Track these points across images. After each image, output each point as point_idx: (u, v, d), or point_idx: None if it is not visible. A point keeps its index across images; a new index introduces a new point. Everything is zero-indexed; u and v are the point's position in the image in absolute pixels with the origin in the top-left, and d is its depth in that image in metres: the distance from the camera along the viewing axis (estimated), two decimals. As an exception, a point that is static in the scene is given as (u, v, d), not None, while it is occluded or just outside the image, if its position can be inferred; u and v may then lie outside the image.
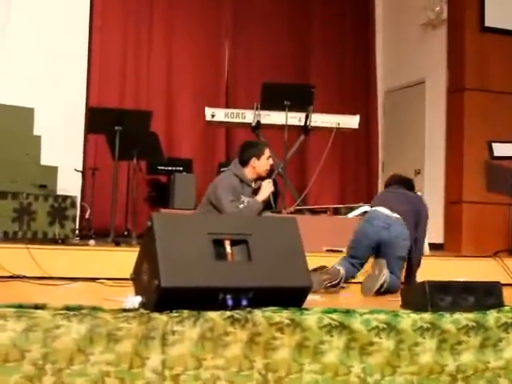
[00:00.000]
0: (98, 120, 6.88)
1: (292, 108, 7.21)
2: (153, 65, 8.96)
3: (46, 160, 6.42)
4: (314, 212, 7.44)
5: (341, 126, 7.55)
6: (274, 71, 9.07)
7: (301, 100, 7.29)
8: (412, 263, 4.96)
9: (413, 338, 3.02)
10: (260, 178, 5.50)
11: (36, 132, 6.54)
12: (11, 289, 4.30)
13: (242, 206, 5.26)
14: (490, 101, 8.15)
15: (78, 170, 7.71)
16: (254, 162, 5.36)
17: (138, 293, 3.00)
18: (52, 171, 6.35)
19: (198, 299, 2.82)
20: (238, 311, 2.83)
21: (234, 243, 3.09)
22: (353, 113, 7.83)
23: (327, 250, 5.78)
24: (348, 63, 9.98)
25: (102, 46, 8.65)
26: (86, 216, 7.43)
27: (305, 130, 7.53)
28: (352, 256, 4.83)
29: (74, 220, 6.18)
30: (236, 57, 9.43)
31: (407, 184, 5.28)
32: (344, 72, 9.95)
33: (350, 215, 4.98)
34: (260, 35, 9.41)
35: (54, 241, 5.88)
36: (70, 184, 6.97)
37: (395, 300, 3.83)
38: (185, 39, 9.07)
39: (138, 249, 3.16)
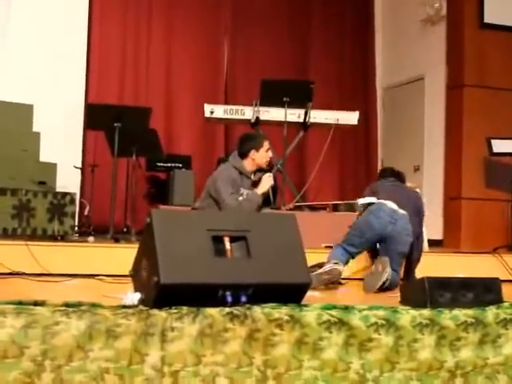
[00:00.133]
0: (97, 116, 6.89)
1: (291, 104, 7.21)
2: (152, 62, 8.95)
3: (45, 157, 6.42)
4: (313, 208, 7.44)
5: (340, 123, 7.54)
6: (273, 67, 9.07)
7: (300, 96, 7.28)
8: (412, 259, 4.97)
9: (412, 334, 3.02)
10: (259, 171, 5.49)
11: (35, 129, 6.54)
12: (10, 285, 4.31)
13: (241, 198, 5.24)
14: (489, 97, 8.14)
15: (77, 167, 7.70)
16: (253, 154, 5.34)
17: (137, 289, 3.01)
18: (51, 168, 6.35)
19: (197, 296, 2.82)
20: (237, 307, 2.83)
21: (233, 240, 3.09)
22: (352, 109, 7.82)
23: (326, 247, 5.77)
24: (347, 60, 9.97)
25: (101, 43, 8.65)
26: (85, 213, 7.42)
27: (304, 126, 7.53)
28: (350, 244, 4.82)
29: (73, 217, 6.19)
30: (235, 54, 9.42)
31: (401, 177, 5.32)
32: (343, 68, 9.94)
33: (361, 201, 4.95)
34: (259, 32, 9.40)
35: (53, 237, 5.88)
36: (69, 181, 6.96)
37: (394, 296, 3.84)
38: (184, 36, 9.06)
39: (137, 245, 3.16)
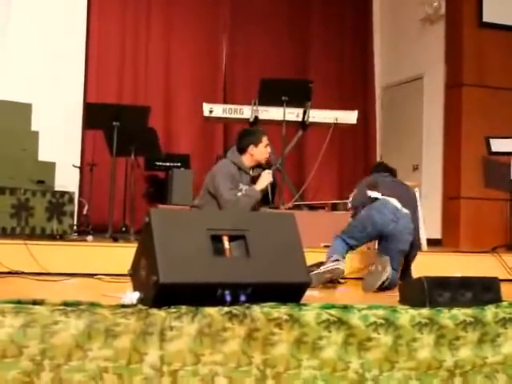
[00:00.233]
0: (95, 116, 6.88)
1: (290, 103, 7.21)
2: (151, 61, 8.95)
3: (43, 156, 6.42)
4: (312, 208, 7.44)
5: (339, 122, 7.54)
6: (273, 66, 9.06)
7: (299, 95, 7.28)
8: (410, 257, 4.98)
9: (411, 333, 3.02)
10: (258, 166, 5.47)
11: (34, 128, 6.54)
12: (9, 284, 4.30)
13: (240, 194, 5.23)
14: (487, 96, 8.15)
15: (75, 166, 7.70)
16: (251, 149, 5.32)
17: (136, 288, 3.00)
18: (50, 167, 6.35)
19: (196, 295, 2.82)
20: (236, 307, 2.83)
21: (232, 239, 3.09)
22: (351, 108, 7.82)
23: (325, 246, 5.77)
24: (346, 59, 9.97)
25: (100, 43, 8.65)
26: (84, 212, 7.43)
27: (303, 125, 7.52)
28: (351, 237, 4.82)
29: (71, 216, 6.19)
30: (234, 53, 9.42)
31: (394, 173, 5.34)
32: (342, 67, 9.93)
33: (369, 193, 4.95)
34: (258, 31, 9.40)
35: (52, 236, 5.88)
36: (67, 180, 6.96)
37: (393, 296, 3.84)
38: (183, 35, 9.06)
39: (135, 244, 3.16)
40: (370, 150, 9.98)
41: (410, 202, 4.96)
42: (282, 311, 2.87)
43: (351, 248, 4.86)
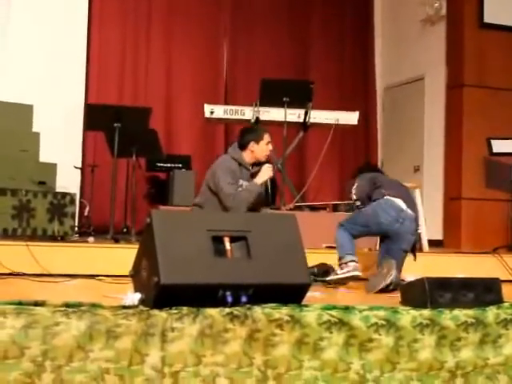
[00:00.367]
0: (96, 117, 6.88)
1: (291, 104, 7.21)
2: (152, 62, 8.95)
3: (45, 157, 6.42)
4: (313, 208, 7.44)
5: (340, 123, 7.54)
6: (273, 68, 9.07)
7: (300, 96, 7.28)
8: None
9: (412, 334, 3.02)
10: (258, 164, 5.46)
11: (35, 129, 6.54)
12: (11, 286, 4.30)
13: (240, 189, 5.22)
14: (488, 97, 8.15)
15: (77, 167, 7.70)
16: (252, 146, 5.31)
17: (137, 290, 3.00)
18: (51, 168, 6.35)
19: (198, 296, 2.82)
20: (237, 308, 2.83)
21: (233, 240, 3.09)
22: (352, 109, 7.82)
23: (327, 247, 5.78)
24: (347, 60, 9.97)
25: (101, 44, 8.65)
26: (85, 213, 7.43)
27: (304, 126, 7.53)
28: (354, 229, 4.86)
29: (73, 217, 6.19)
30: (235, 54, 9.42)
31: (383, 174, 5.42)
32: (343, 68, 9.93)
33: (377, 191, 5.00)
34: (259, 32, 9.41)
35: (53, 238, 5.88)
36: (69, 181, 6.96)
37: (394, 296, 3.83)
38: (183, 37, 9.06)
39: (137, 246, 3.16)
40: (371, 151, 9.98)
41: (412, 202, 4.99)
42: (283, 312, 2.87)
43: (354, 238, 4.90)
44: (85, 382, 2.59)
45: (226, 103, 8.87)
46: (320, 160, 7.46)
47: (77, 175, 7.82)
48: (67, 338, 2.59)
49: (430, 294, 3.22)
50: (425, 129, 9.14)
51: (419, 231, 5.45)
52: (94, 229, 6.71)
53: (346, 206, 7.07)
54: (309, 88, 7.36)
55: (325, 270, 5.00)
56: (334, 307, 2.99)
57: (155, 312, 2.74)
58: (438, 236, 8.31)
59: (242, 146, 5.35)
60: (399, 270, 4.76)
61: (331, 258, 5.29)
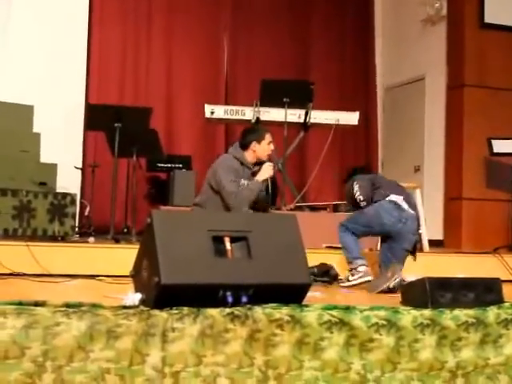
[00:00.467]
0: (97, 117, 6.88)
1: (291, 105, 7.21)
2: (152, 62, 8.95)
3: (45, 157, 6.42)
4: (313, 209, 7.44)
5: (340, 123, 7.54)
6: (274, 68, 9.06)
7: (300, 97, 7.29)
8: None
9: (413, 334, 3.02)
10: (260, 163, 5.46)
11: (35, 129, 6.54)
12: (11, 286, 4.30)
13: (242, 187, 5.22)
14: (489, 97, 8.15)
15: (77, 168, 7.70)
16: (254, 145, 5.32)
17: (137, 290, 3.00)
18: (51, 168, 6.35)
19: (198, 296, 2.82)
20: (237, 308, 2.83)
21: (233, 240, 3.09)
22: (352, 109, 7.82)
23: (327, 247, 5.78)
24: (348, 60, 9.97)
25: (102, 44, 8.65)
26: (86, 213, 7.42)
27: (304, 126, 7.53)
28: (356, 229, 4.89)
29: (73, 217, 6.18)
30: (235, 54, 9.42)
31: None
32: (344, 68, 9.93)
33: (393, 197, 5.01)
34: (259, 32, 9.41)
35: (53, 238, 5.88)
36: (69, 181, 6.96)
37: (395, 296, 3.83)
38: (184, 36, 9.06)
39: (137, 246, 3.16)
40: (372, 151, 9.98)
41: (412, 202, 5.02)
42: (283, 312, 2.87)
43: (358, 237, 4.95)
44: (85, 382, 2.59)
45: (227, 103, 8.87)
46: (320, 160, 7.46)
47: (77, 175, 7.82)
48: (68, 338, 2.59)
49: (430, 293, 3.22)
50: (425, 129, 9.14)
51: (420, 231, 5.47)
52: (95, 229, 6.71)
53: (347, 207, 7.06)
54: (309, 88, 7.36)
55: (325, 270, 5.01)
56: (335, 307, 2.99)
57: (156, 312, 2.74)
58: (439, 236, 8.31)
59: (244, 146, 5.36)
60: (401, 268, 4.78)
61: (331, 258, 5.30)
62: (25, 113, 6.50)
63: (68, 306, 2.69)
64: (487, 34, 8.25)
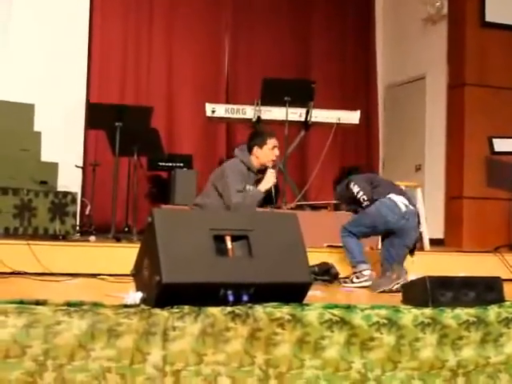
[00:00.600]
0: (98, 116, 6.89)
1: (292, 103, 7.21)
2: (153, 61, 8.95)
3: (46, 156, 6.42)
4: (314, 208, 7.43)
5: (341, 122, 7.54)
6: (275, 66, 9.06)
7: (301, 95, 7.28)
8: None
9: (413, 333, 3.02)
10: (264, 170, 5.44)
11: (36, 128, 6.53)
12: (12, 285, 4.30)
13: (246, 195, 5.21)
14: (490, 96, 8.14)
15: (78, 166, 7.70)
16: (256, 150, 5.29)
17: (138, 288, 3.01)
18: (52, 167, 6.34)
19: (199, 295, 2.82)
20: (238, 307, 2.83)
21: (234, 239, 3.09)
22: (353, 108, 7.82)
23: (328, 246, 5.78)
24: (349, 59, 9.97)
25: (102, 43, 8.65)
26: (87, 212, 7.42)
27: (305, 125, 7.52)
28: (359, 231, 4.92)
29: (74, 216, 6.18)
30: (236, 53, 9.42)
31: None
32: (345, 67, 9.93)
33: (394, 197, 5.02)
34: (260, 31, 9.41)
35: (54, 237, 5.88)
36: (70, 180, 6.96)
37: (396, 295, 3.83)
38: (185, 35, 9.06)
39: (138, 245, 3.16)
40: (373, 150, 9.98)
41: (411, 199, 5.05)
42: (284, 311, 2.87)
43: (359, 239, 4.98)
44: (86, 381, 2.59)
45: (228, 102, 8.87)
46: (321, 159, 7.46)
47: (78, 174, 7.82)
48: (69, 336, 2.60)
49: (431, 292, 3.22)
50: (426, 128, 9.13)
51: (420, 230, 5.48)
52: (96, 228, 6.71)
53: (348, 206, 7.06)
54: (310, 87, 7.36)
55: (326, 268, 5.01)
56: (336, 306, 2.99)
57: (157, 311, 2.74)
58: (440, 235, 8.30)
59: (249, 150, 5.35)
60: (401, 265, 4.80)
61: (332, 257, 5.31)
62: (25, 111, 6.49)
63: (69, 304, 2.69)
64: (488, 32, 8.24)
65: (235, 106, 7.53)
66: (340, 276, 5.05)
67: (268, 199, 5.78)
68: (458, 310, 3.13)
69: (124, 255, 4.16)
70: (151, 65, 8.94)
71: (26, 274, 4.65)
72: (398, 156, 9.61)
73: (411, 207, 4.92)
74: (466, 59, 8.23)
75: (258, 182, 5.38)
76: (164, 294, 2.79)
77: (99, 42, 8.62)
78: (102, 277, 4.73)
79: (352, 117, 7.63)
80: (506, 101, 8.17)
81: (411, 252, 5.05)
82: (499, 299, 3.33)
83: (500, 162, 7.44)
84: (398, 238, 4.89)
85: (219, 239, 3.04)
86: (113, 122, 6.45)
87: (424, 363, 3.01)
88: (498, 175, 7.60)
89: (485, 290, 3.34)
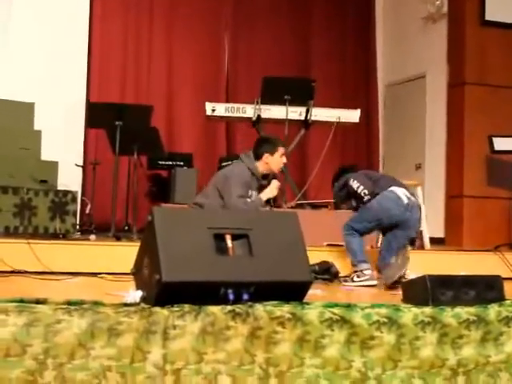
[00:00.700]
0: (98, 115, 6.89)
1: (292, 102, 7.20)
2: (153, 60, 8.95)
3: (46, 155, 6.42)
4: (314, 206, 7.43)
5: (341, 120, 7.53)
6: (275, 65, 9.05)
7: (301, 94, 7.28)
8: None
9: (414, 332, 3.02)
10: (268, 176, 5.47)
11: (36, 127, 6.53)
12: (12, 284, 4.31)
13: (248, 200, 5.22)
14: (490, 95, 8.14)
15: (78, 165, 7.70)
16: (267, 157, 5.32)
17: (138, 287, 3.01)
18: (52, 166, 6.34)
19: (199, 293, 2.82)
20: (239, 305, 2.83)
21: (234, 238, 3.09)
22: (353, 107, 7.81)
23: (328, 245, 5.78)
24: (349, 57, 9.96)
25: (102, 42, 8.65)
26: (87, 211, 7.42)
27: (305, 124, 7.51)
28: (363, 227, 4.93)
29: (74, 215, 6.18)
30: (236, 52, 9.41)
31: None
32: (345, 66, 9.93)
33: (398, 190, 5.03)
34: (260, 29, 9.40)
35: (54, 236, 5.88)
36: (70, 179, 6.94)
37: (396, 294, 3.83)
38: (185, 34, 9.05)
39: (138, 243, 3.16)
40: (373, 149, 9.97)
41: (411, 192, 5.08)
42: (284, 310, 2.87)
43: (362, 236, 4.98)
44: (86, 380, 2.59)
45: (228, 101, 8.86)
46: (321, 158, 7.45)
47: (78, 173, 7.82)
48: (69, 335, 2.60)
49: (431, 291, 3.22)
50: (426, 127, 9.13)
51: (421, 228, 5.50)
52: (96, 227, 6.71)
53: (347, 205, 7.06)
54: (310, 86, 7.35)
55: (326, 267, 5.02)
56: (336, 305, 2.99)
57: (157, 309, 2.74)
58: (440, 234, 8.30)
59: (257, 156, 5.35)
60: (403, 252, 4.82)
61: (332, 256, 5.31)
62: (26, 110, 6.49)
63: (69, 303, 2.69)
64: (488, 31, 8.24)
65: (235, 105, 7.52)
66: (340, 275, 5.05)
67: (268, 199, 5.78)
68: (459, 309, 3.13)
69: (124, 254, 4.17)
70: (151, 64, 8.94)
71: (26, 272, 4.65)
72: (398, 155, 9.61)
73: (413, 199, 4.94)
74: (466, 58, 8.23)
75: (261, 187, 5.40)
76: (164, 293, 2.79)
77: (99, 41, 8.61)
78: (102, 275, 4.73)
79: (352, 115, 7.62)
80: (506, 99, 8.17)
81: (412, 243, 5.04)
82: (499, 298, 3.33)
83: (500, 161, 7.42)
84: (401, 230, 4.90)
85: (219, 238, 3.04)
86: (113, 120, 6.46)
87: (424, 362, 3.01)
88: (498, 174, 7.59)
89: (485, 289, 3.34)
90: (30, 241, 5.01)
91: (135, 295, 2.90)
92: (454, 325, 3.08)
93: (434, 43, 8.91)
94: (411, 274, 4.38)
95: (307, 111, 7.38)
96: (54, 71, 7.87)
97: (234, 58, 9.40)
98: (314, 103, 7.39)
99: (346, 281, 4.91)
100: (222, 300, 2.84)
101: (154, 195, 8.06)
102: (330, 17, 9.82)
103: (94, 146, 8.29)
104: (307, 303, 3.00)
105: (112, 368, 2.62)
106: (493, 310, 3.18)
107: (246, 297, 2.89)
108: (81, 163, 7.89)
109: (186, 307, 2.76)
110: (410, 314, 3.04)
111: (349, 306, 3.00)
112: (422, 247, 6.42)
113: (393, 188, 4.93)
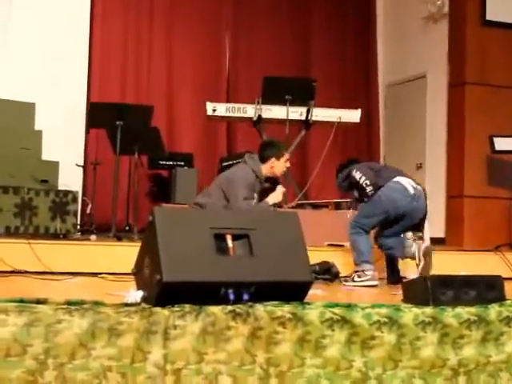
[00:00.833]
0: (99, 115, 6.89)
1: (293, 102, 7.21)
2: (154, 60, 8.95)
3: (47, 155, 6.42)
4: (315, 206, 7.43)
5: (342, 120, 7.53)
6: (276, 65, 9.05)
7: (302, 94, 7.28)
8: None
9: (414, 332, 3.02)
10: (271, 179, 5.47)
11: (37, 127, 6.54)
12: (13, 283, 4.31)
13: (253, 202, 5.23)
14: (490, 95, 8.14)
15: (79, 165, 7.70)
16: (273, 162, 5.33)
17: (139, 287, 3.01)
18: (53, 166, 6.35)
19: (200, 294, 2.82)
20: (239, 306, 2.83)
21: (235, 238, 3.09)
22: (354, 107, 7.81)
23: (329, 245, 5.78)
24: (349, 57, 9.97)
25: (103, 42, 8.65)
26: (88, 211, 7.42)
27: (306, 124, 7.51)
28: (370, 223, 4.94)
29: (75, 215, 6.19)
30: (237, 52, 9.42)
31: None
32: (345, 66, 9.93)
33: (399, 179, 5.03)
34: (261, 29, 9.40)
35: (55, 236, 5.88)
36: (71, 179, 6.96)
37: (397, 294, 3.83)
38: (185, 34, 9.06)
39: (139, 243, 3.17)
40: (374, 149, 9.97)
41: (415, 180, 5.10)
42: (285, 310, 2.87)
43: (368, 233, 4.98)
44: (87, 380, 2.59)
45: (228, 101, 8.87)
46: (322, 158, 7.45)
47: (79, 173, 7.82)
48: (69, 335, 2.60)
49: (432, 291, 3.22)
50: (427, 126, 9.13)
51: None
52: (96, 227, 6.72)
53: (349, 204, 7.06)
54: (311, 86, 7.35)
55: (327, 267, 5.02)
56: (336, 305, 2.99)
57: (157, 310, 2.74)
58: (440, 234, 8.29)
59: (263, 160, 5.36)
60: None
61: (333, 256, 5.31)
62: (26, 110, 6.49)
63: (70, 303, 2.69)
64: (489, 31, 8.24)
65: (236, 105, 7.52)
66: (341, 275, 5.06)
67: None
68: (459, 309, 3.13)
69: (125, 254, 4.17)
70: (152, 64, 8.94)
71: (26, 272, 4.66)
72: (399, 154, 9.60)
73: (419, 187, 4.92)
74: (466, 58, 8.22)
75: (263, 191, 5.40)
76: (165, 293, 2.79)
77: (100, 41, 8.62)
78: (102, 276, 4.74)
79: (353, 115, 7.62)
80: (507, 99, 8.16)
81: (418, 227, 5.03)
82: (500, 298, 3.33)
83: (501, 161, 7.42)
84: (406, 219, 4.89)
85: (220, 238, 3.04)
86: (113, 120, 6.46)
87: (425, 362, 3.01)
88: (499, 174, 7.59)
89: (486, 289, 3.33)
90: (31, 241, 5.02)
91: (136, 295, 2.90)
92: (454, 325, 3.08)
93: (435, 43, 8.90)
94: (412, 274, 4.39)
95: (308, 111, 7.38)
96: (54, 71, 7.88)
97: (234, 57, 9.40)
98: (315, 103, 7.39)
99: (346, 281, 4.91)
100: (223, 300, 2.84)
101: (155, 195, 8.07)
102: (330, 17, 9.82)
103: (95, 145, 8.29)
104: (308, 303, 3.00)
105: (112, 368, 2.62)
106: (493, 310, 3.18)
107: (246, 297, 2.89)
108: (81, 163, 7.90)
109: (187, 307, 2.76)
110: (410, 314, 3.04)
111: (349, 306, 3.00)
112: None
113: (398, 178, 4.90)
